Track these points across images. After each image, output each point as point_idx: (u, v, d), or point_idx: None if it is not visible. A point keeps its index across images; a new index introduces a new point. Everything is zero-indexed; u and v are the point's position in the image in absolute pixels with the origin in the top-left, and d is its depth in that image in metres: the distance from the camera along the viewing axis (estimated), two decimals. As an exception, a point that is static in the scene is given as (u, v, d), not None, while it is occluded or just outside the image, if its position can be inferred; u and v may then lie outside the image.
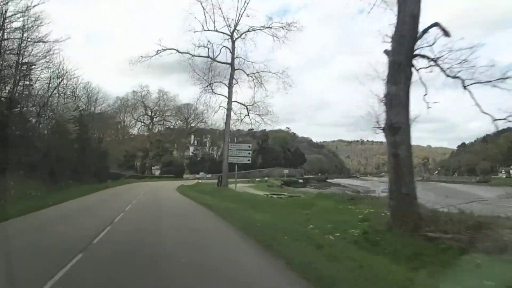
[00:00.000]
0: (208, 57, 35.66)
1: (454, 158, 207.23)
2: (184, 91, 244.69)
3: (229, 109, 36.17)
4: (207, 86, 36.78)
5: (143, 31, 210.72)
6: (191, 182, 59.01)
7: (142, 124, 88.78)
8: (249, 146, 40.56)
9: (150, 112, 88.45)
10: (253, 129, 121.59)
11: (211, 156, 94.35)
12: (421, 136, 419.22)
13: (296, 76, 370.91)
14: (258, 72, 35.68)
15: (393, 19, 9.39)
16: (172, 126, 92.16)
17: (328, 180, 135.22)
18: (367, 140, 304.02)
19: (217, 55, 35.71)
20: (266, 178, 79.73)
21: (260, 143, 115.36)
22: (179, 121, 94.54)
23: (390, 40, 9.51)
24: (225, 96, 36.52)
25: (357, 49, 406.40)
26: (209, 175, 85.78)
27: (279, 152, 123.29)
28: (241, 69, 36.28)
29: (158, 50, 34.30)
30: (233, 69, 35.78)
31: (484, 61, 10.15)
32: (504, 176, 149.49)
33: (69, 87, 36.74)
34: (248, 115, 37.98)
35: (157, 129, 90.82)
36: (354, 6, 15.93)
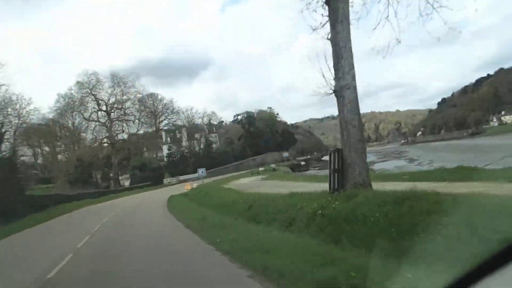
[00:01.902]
0: None
1: (436, 116, 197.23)
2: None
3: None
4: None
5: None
6: (181, 187, 39.24)
7: (97, 123, 66.80)
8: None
9: (105, 107, 66.65)
10: (238, 114, 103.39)
11: (194, 151, 73.69)
12: (387, 103, 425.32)
13: (261, 62, 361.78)
14: None
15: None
16: (136, 121, 70.42)
17: (323, 159, 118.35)
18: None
19: None
20: (272, 166, 60.54)
21: (247, 127, 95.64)
22: (144, 116, 73.06)
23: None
24: None
25: (314, 25, 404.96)
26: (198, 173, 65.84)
27: (269, 135, 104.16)
28: None
29: None
30: None
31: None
32: (497, 124, 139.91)
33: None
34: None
35: (119, 128, 69.00)
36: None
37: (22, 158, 39.55)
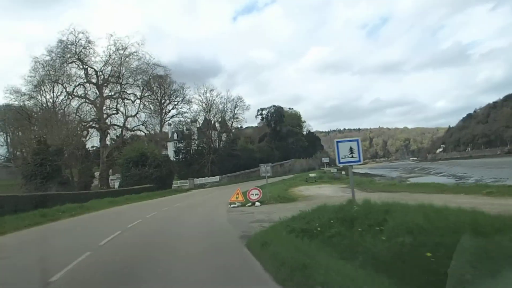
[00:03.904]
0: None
1: (459, 132, 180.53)
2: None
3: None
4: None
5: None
6: (206, 196, 26.05)
7: (84, 101, 47.86)
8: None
9: (95, 78, 47.87)
10: (263, 109, 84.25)
11: (214, 146, 55.16)
12: (393, 120, 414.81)
13: (269, 72, 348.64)
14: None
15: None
16: (137, 102, 51.26)
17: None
18: (344, 128, 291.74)
19: None
20: (332, 170, 42.02)
21: (272, 125, 76.94)
22: (149, 96, 54.20)
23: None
24: None
25: (327, 39, 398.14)
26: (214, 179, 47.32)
27: (297, 137, 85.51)
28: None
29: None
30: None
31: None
32: None
33: None
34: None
35: (113, 108, 49.65)
36: None
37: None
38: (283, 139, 75.80)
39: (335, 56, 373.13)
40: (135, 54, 48.04)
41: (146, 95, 52.20)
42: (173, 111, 64.62)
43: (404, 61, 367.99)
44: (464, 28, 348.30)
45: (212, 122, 60.41)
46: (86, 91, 47.65)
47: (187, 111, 62.71)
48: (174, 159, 55.04)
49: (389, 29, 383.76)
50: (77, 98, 47.56)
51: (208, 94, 60.81)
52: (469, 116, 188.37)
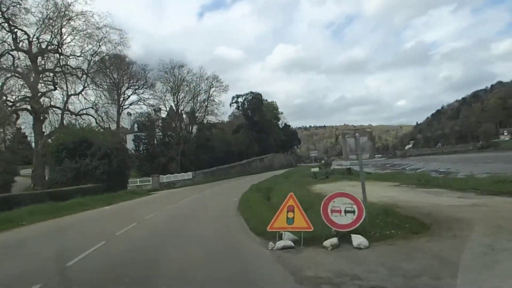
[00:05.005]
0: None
1: (428, 129, 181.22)
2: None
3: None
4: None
5: None
6: (174, 201, 18.31)
7: (12, 74, 36.06)
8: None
9: (27, 43, 36.21)
10: (239, 96, 73.14)
11: (185, 135, 45.03)
12: (358, 118, 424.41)
13: (236, 69, 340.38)
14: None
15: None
16: (84, 78, 39.90)
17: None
18: (310, 126, 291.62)
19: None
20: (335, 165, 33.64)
21: (250, 114, 67.48)
22: (100, 70, 43.11)
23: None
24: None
25: (294, 38, 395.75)
26: (186, 176, 38.00)
27: (275, 130, 76.83)
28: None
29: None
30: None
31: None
32: (508, 138, 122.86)
33: None
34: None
35: (50, 84, 37.97)
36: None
37: None
38: (262, 131, 66.57)
39: (301, 54, 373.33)
40: (82, 14, 36.83)
41: (97, 69, 41.09)
42: (134, 97, 53.78)
43: (369, 60, 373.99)
44: (427, 29, 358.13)
45: (182, 106, 49.47)
46: (15, 62, 35.96)
47: (150, 96, 52.06)
48: (134, 153, 44.36)
49: (354, 29, 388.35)
50: (3, 71, 35.79)
51: (176, 71, 49.50)
52: (438, 112, 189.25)
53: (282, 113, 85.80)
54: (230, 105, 65.66)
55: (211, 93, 51.30)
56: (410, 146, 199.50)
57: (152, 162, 39.90)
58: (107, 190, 24.09)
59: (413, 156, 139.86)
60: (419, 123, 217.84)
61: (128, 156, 29.45)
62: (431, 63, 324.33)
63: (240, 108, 66.61)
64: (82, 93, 40.24)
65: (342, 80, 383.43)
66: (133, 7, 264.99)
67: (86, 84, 38.91)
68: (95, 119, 42.10)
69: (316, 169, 30.51)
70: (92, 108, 42.36)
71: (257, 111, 65.74)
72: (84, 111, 41.43)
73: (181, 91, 48.22)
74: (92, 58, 39.48)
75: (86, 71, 38.82)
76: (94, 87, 41.28)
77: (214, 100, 51.55)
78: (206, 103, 50.44)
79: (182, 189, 32.96)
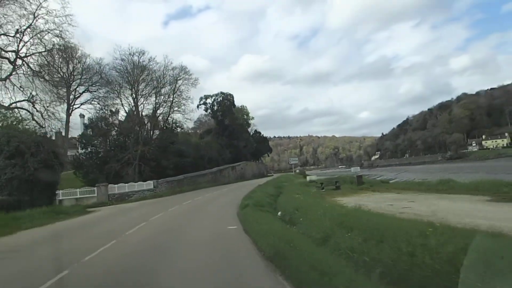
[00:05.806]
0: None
1: (394, 139, 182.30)
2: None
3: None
4: None
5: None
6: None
7: None
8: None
9: None
10: (207, 96, 64.28)
11: (144, 136, 37.12)
12: (321, 129, 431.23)
13: (201, 79, 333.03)
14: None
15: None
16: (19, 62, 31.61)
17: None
18: (275, 136, 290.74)
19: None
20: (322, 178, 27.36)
21: (220, 117, 60.41)
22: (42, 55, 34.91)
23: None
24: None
25: (260, 49, 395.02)
26: (146, 186, 30.59)
27: (246, 136, 70.30)
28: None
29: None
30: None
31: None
32: (476, 149, 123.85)
33: None
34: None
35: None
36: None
37: None
38: (233, 136, 59.71)
39: (267, 65, 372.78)
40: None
41: (36, 52, 32.93)
42: (87, 95, 45.78)
43: (333, 72, 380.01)
44: (389, 43, 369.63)
45: (142, 99, 40.99)
46: None
47: (105, 94, 44.25)
48: (82, 154, 36.02)
49: (319, 41, 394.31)
50: None
51: (136, 58, 40.57)
52: (404, 123, 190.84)
53: (253, 118, 79.46)
54: (198, 106, 57.93)
55: (177, 86, 43.23)
56: (376, 156, 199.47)
57: (103, 168, 31.66)
58: (18, 207, 15.92)
59: (380, 167, 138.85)
60: (384, 134, 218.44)
61: (56, 156, 20.94)
62: (393, 76, 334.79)
63: (209, 110, 59.21)
64: (12, 80, 31.92)
65: (306, 92, 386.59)
66: (97, 14, 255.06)
67: (16, 68, 30.68)
68: (31, 114, 33.73)
69: (314, 177, 24.30)
70: (27, 101, 34.10)
71: (228, 113, 58.74)
72: (17, 104, 33.09)
73: (141, 82, 39.88)
74: (24, 35, 31.18)
75: (16, 50, 30.57)
76: (30, 74, 33.02)
77: (181, 95, 43.44)
78: (171, 97, 42.22)
79: (139, 203, 25.00)
